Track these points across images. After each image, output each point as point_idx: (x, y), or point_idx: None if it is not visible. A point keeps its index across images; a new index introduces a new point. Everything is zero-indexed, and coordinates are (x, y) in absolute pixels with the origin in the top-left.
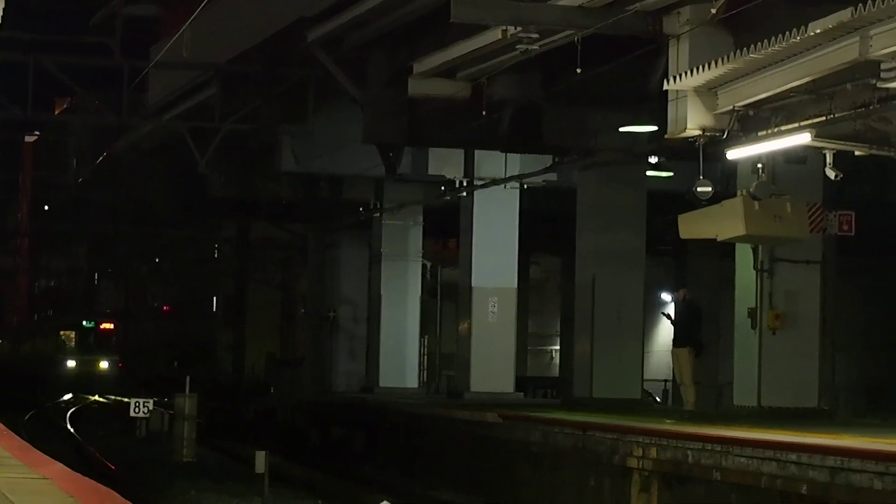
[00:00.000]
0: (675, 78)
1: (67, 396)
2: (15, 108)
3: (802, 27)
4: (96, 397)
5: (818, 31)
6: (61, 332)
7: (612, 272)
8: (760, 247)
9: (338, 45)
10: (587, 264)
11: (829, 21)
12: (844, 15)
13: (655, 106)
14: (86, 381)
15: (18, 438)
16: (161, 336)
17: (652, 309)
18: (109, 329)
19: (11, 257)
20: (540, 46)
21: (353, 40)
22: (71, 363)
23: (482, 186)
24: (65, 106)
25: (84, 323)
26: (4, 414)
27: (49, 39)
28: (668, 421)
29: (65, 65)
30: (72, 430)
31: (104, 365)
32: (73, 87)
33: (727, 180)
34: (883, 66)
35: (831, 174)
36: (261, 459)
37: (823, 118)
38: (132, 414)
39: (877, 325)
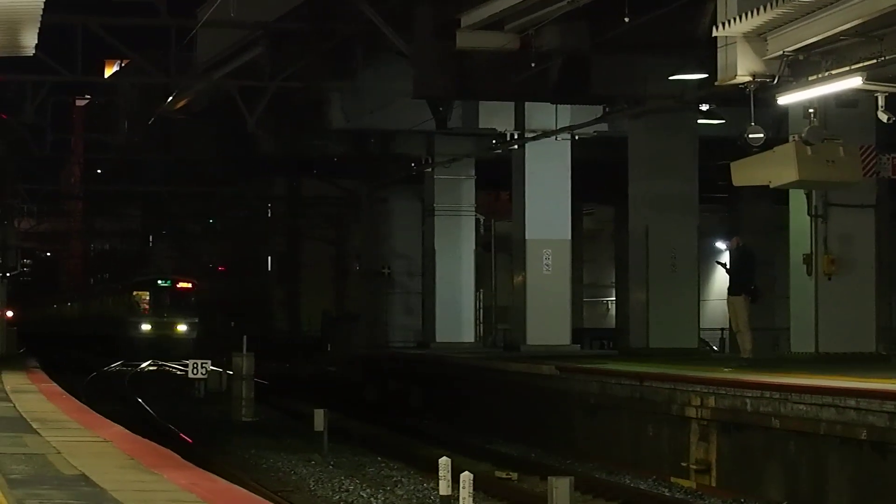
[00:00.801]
0: (724, 24)
1: (145, 364)
2: (65, 71)
3: None
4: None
5: None
6: (134, 293)
7: (665, 221)
8: (814, 192)
9: None
10: (640, 213)
11: None
12: None
13: (705, 52)
14: (162, 345)
15: (76, 401)
16: (217, 295)
17: (706, 257)
18: (187, 288)
19: (66, 219)
20: None
21: None
22: (145, 326)
23: (533, 139)
24: (114, 68)
25: (159, 282)
26: (67, 377)
27: (96, 1)
28: (725, 369)
29: (112, 26)
30: (136, 398)
31: (182, 328)
32: (121, 49)
33: (778, 126)
34: None
35: (883, 117)
36: (319, 417)
37: (874, 61)
38: (190, 375)
39: None
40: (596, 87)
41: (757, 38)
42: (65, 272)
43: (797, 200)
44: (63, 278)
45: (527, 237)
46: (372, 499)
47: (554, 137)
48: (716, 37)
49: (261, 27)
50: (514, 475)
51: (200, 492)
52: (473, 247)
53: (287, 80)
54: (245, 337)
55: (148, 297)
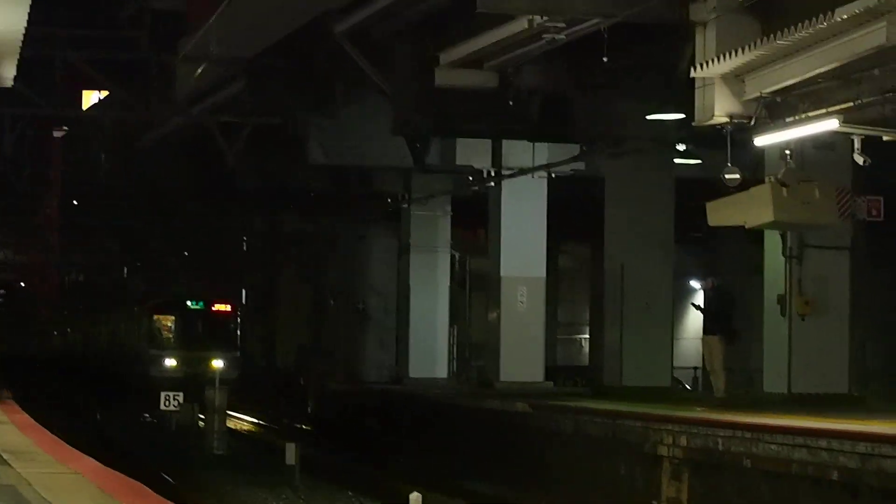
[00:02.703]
0: (702, 65)
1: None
2: (43, 103)
3: (829, 13)
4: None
5: (845, 16)
6: (154, 317)
7: (640, 260)
8: (789, 233)
9: (365, 36)
10: (616, 252)
11: (857, 6)
12: (871, 0)
13: (683, 93)
14: (193, 386)
15: (49, 433)
16: None
17: (681, 296)
18: (226, 312)
19: (41, 252)
20: (566, 35)
21: (380, 32)
22: (170, 362)
23: (510, 176)
24: (92, 98)
25: (189, 303)
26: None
27: (76, 34)
28: (698, 408)
29: (92, 59)
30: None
31: (219, 364)
32: (100, 82)
33: (755, 167)
34: None
35: (860, 159)
36: (291, 451)
37: (851, 104)
38: (162, 407)
39: None
40: (574, 127)
41: (735, 79)
42: (46, 297)
43: (772, 241)
44: (48, 303)
45: (502, 274)
46: None
47: (531, 175)
48: (694, 78)
49: (240, 62)
50: None
51: None
52: (449, 283)
53: (266, 115)
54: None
55: (173, 324)
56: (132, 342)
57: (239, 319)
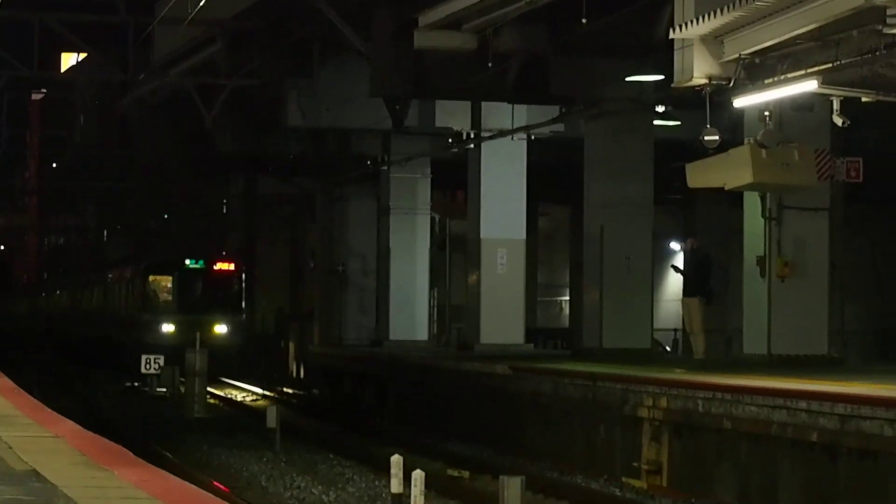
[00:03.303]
0: (680, 26)
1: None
2: (21, 66)
3: None
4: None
5: None
6: (150, 279)
7: (620, 222)
8: (768, 194)
9: None
10: (595, 214)
11: None
12: None
13: (662, 55)
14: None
15: (29, 396)
16: None
17: (661, 258)
18: (229, 271)
19: (20, 215)
20: None
21: None
22: (167, 327)
23: (489, 138)
24: (71, 61)
25: (188, 262)
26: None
27: None
28: (678, 370)
29: (70, 22)
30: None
31: (222, 330)
32: (78, 44)
33: (734, 129)
34: (889, 12)
35: (839, 121)
36: (272, 414)
37: (830, 65)
38: (143, 370)
39: (886, 272)
40: (553, 88)
41: (713, 41)
42: (26, 267)
43: (752, 203)
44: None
45: (482, 236)
46: (324, 496)
47: (510, 137)
48: (672, 39)
49: (218, 25)
50: (466, 474)
51: (152, 489)
52: (428, 246)
53: (244, 77)
54: (199, 334)
55: (171, 285)
56: (125, 306)
57: (244, 279)
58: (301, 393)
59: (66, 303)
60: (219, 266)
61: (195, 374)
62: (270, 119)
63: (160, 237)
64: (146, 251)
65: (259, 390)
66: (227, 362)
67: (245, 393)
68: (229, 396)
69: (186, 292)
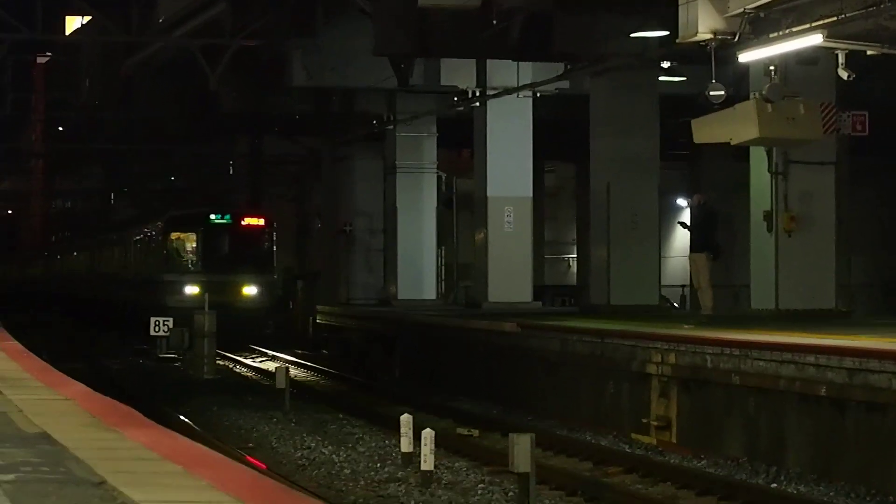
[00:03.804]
0: None
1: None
2: (25, 28)
3: None
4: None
5: None
6: (172, 236)
7: (626, 178)
8: (774, 149)
9: None
10: (601, 171)
11: None
12: None
13: (666, 10)
14: (219, 320)
15: (38, 359)
16: None
17: (667, 214)
18: (258, 227)
19: (26, 178)
20: None
21: None
22: (190, 289)
23: (495, 96)
24: (76, 24)
25: (212, 217)
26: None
27: None
28: (685, 326)
29: None
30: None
31: (252, 291)
32: (82, 6)
33: (739, 83)
34: None
35: (844, 74)
36: (281, 375)
37: (835, 18)
38: (152, 332)
39: (892, 224)
40: (557, 45)
41: None
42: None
43: (758, 158)
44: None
45: (488, 195)
46: (334, 456)
47: (515, 95)
48: None
49: None
50: (476, 432)
51: (161, 449)
52: (435, 204)
53: (248, 37)
54: (206, 294)
55: (195, 243)
56: (144, 266)
57: (274, 236)
58: (309, 353)
59: (80, 265)
60: (247, 221)
61: (204, 335)
62: (275, 79)
63: (170, 196)
64: (166, 207)
65: (268, 351)
66: (257, 327)
67: (254, 354)
68: (238, 357)
69: (212, 250)
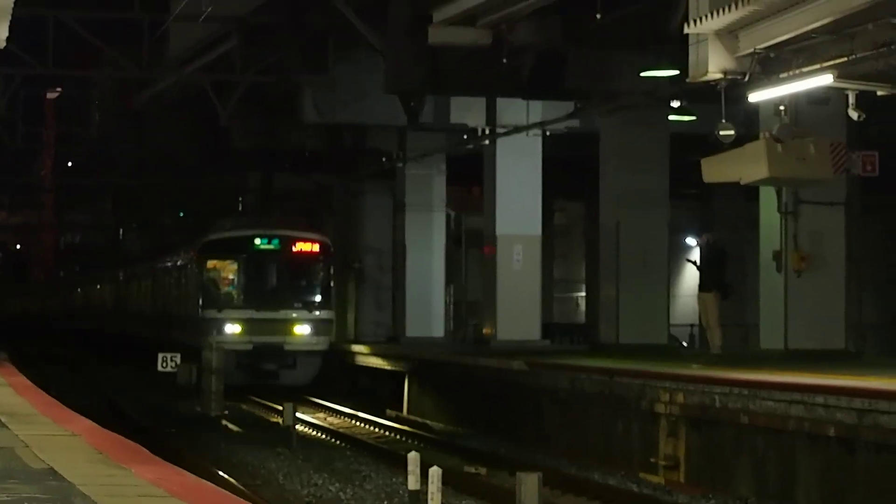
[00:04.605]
0: (695, 21)
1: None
2: (36, 64)
3: None
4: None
5: None
6: (208, 263)
7: (636, 217)
8: (784, 189)
9: None
10: (611, 209)
11: None
12: None
13: (677, 49)
14: (266, 366)
15: (46, 395)
16: None
17: (677, 253)
18: (311, 254)
19: (36, 212)
20: None
21: None
22: (231, 328)
23: (504, 134)
24: (86, 61)
25: (257, 241)
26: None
27: None
28: (694, 365)
29: (85, 19)
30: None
31: (305, 331)
32: (93, 42)
33: (749, 123)
34: None
35: (854, 114)
36: (288, 411)
37: (845, 58)
38: (160, 368)
39: None
40: (568, 83)
41: (728, 35)
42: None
43: (767, 197)
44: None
45: (497, 232)
46: (341, 493)
47: (525, 133)
48: (687, 34)
49: (233, 21)
50: (483, 470)
51: (169, 486)
52: (444, 241)
53: (260, 73)
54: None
55: (237, 272)
56: (173, 301)
57: (331, 263)
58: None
59: (96, 298)
60: (299, 246)
61: (212, 371)
62: (286, 115)
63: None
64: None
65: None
66: (310, 372)
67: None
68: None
69: (257, 281)
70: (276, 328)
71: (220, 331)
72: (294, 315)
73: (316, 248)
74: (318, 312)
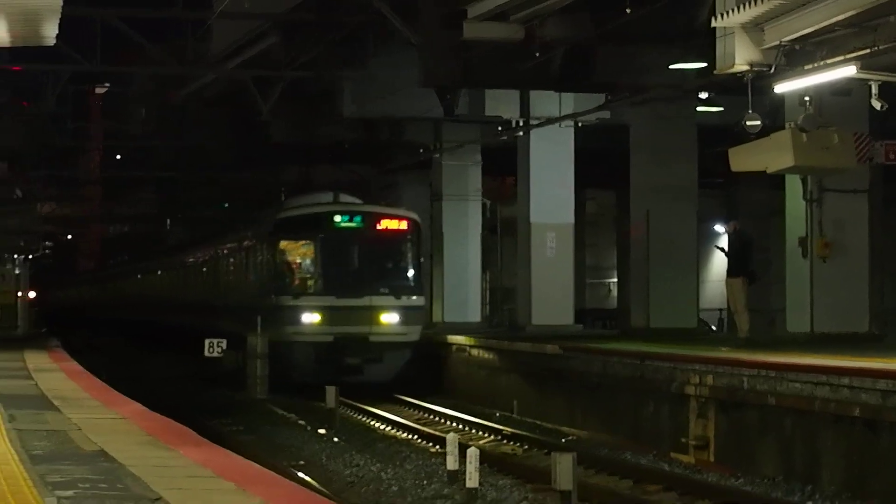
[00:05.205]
0: (722, 15)
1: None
2: (84, 61)
3: None
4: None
5: None
6: (281, 244)
7: (665, 206)
8: (809, 177)
9: None
10: (641, 199)
11: None
12: None
13: (704, 42)
14: (350, 360)
15: (97, 379)
16: None
17: (705, 240)
18: (398, 233)
19: (84, 205)
20: None
21: None
22: (309, 317)
23: (538, 126)
24: (131, 58)
25: (338, 220)
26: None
27: None
28: (723, 349)
29: (130, 18)
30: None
31: (393, 320)
32: (138, 40)
33: (775, 113)
34: None
35: (877, 105)
36: (331, 394)
37: (868, 50)
38: (206, 354)
39: None
40: (598, 76)
41: (754, 28)
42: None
43: (793, 186)
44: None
45: (531, 221)
46: (382, 473)
47: (558, 125)
48: (714, 27)
49: (273, 18)
50: (520, 450)
51: (215, 467)
52: (480, 230)
53: (299, 69)
54: (259, 317)
55: (314, 254)
56: (242, 287)
57: (420, 245)
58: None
59: (149, 287)
60: (385, 224)
61: (256, 356)
62: (325, 109)
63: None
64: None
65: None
66: (397, 364)
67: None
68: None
69: (337, 263)
70: (361, 317)
71: (296, 321)
72: (381, 302)
73: (404, 225)
74: (407, 298)
